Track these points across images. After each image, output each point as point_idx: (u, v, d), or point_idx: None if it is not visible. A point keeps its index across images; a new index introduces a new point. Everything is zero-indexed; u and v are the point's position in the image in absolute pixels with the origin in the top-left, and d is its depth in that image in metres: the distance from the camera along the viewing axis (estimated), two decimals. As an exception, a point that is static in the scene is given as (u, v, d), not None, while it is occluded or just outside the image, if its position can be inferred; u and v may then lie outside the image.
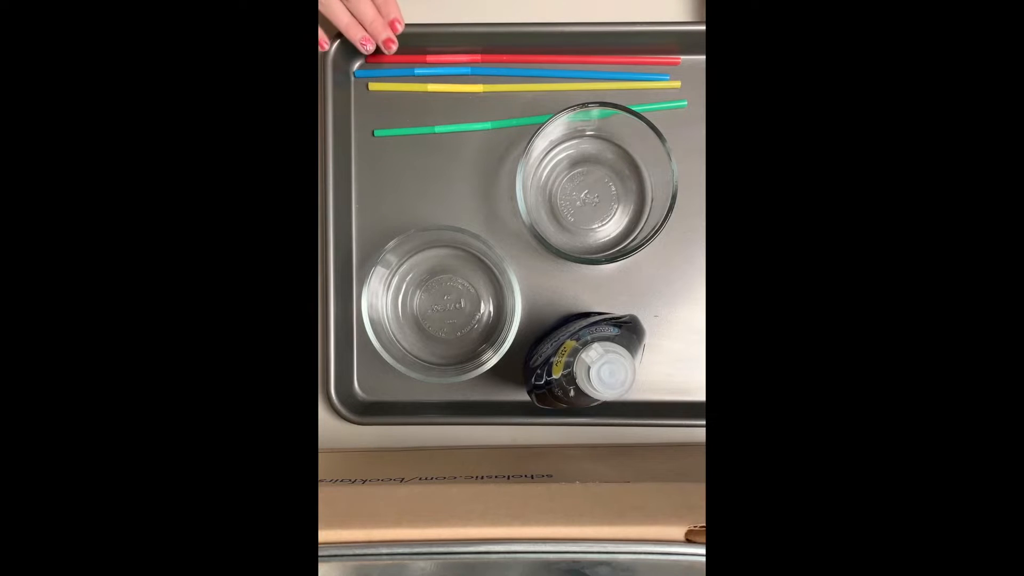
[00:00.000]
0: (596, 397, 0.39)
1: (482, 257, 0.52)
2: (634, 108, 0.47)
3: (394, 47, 0.50)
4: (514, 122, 0.53)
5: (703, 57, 0.52)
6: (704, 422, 0.51)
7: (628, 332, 0.44)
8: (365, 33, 0.50)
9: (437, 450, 0.53)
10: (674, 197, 0.47)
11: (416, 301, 0.53)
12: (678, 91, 0.53)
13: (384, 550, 0.34)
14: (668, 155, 0.47)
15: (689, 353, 0.53)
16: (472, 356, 0.52)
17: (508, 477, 0.43)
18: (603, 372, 0.38)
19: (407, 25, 0.52)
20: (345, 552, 0.34)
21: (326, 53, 0.51)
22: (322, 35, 0.50)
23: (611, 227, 0.52)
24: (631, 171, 0.52)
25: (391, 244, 0.48)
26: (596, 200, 0.52)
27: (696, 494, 0.36)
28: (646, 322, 0.50)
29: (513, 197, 0.48)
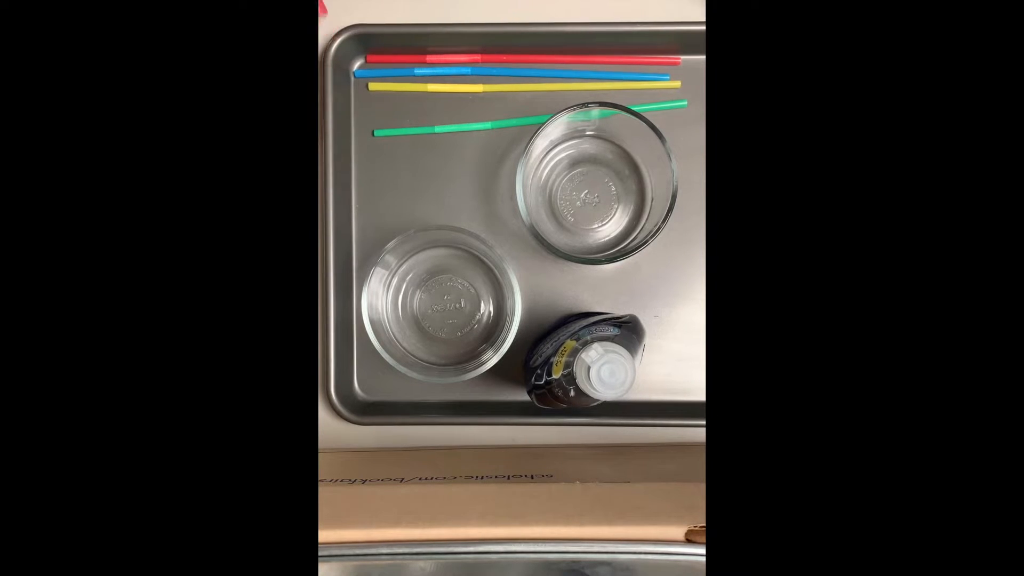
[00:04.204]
0: (596, 397, 0.39)
1: (482, 257, 0.52)
2: (634, 108, 0.47)
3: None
4: (514, 122, 0.53)
5: (703, 57, 0.52)
6: (704, 422, 0.51)
7: (628, 332, 0.44)
8: None
9: (437, 450, 0.53)
10: (674, 197, 0.47)
11: (416, 301, 0.53)
12: (678, 91, 0.53)
13: (384, 550, 0.34)
14: (668, 155, 0.47)
15: (689, 353, 0.53)
16: (472, 356, 0.52)
17: (508, 477, 0.43)
18: (603, 372, 0.38)
19: (407, 25, 0.52)
20: (345, 552, 0.34)
21: (326, 53, 0.51)
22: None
23: (611, 227, 0.52)
24: (631, 171, 0.52)
25: (391, 244, 0.48)
26: (596, 200, 0.52)
27: (696, 494, 0.36)
28: (646, 322, 0.50)
29: (513, 197, 0.48)
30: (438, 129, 0.53)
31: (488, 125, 0.53)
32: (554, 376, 0.42)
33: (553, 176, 0.52)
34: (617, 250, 0.51)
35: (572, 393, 0.41)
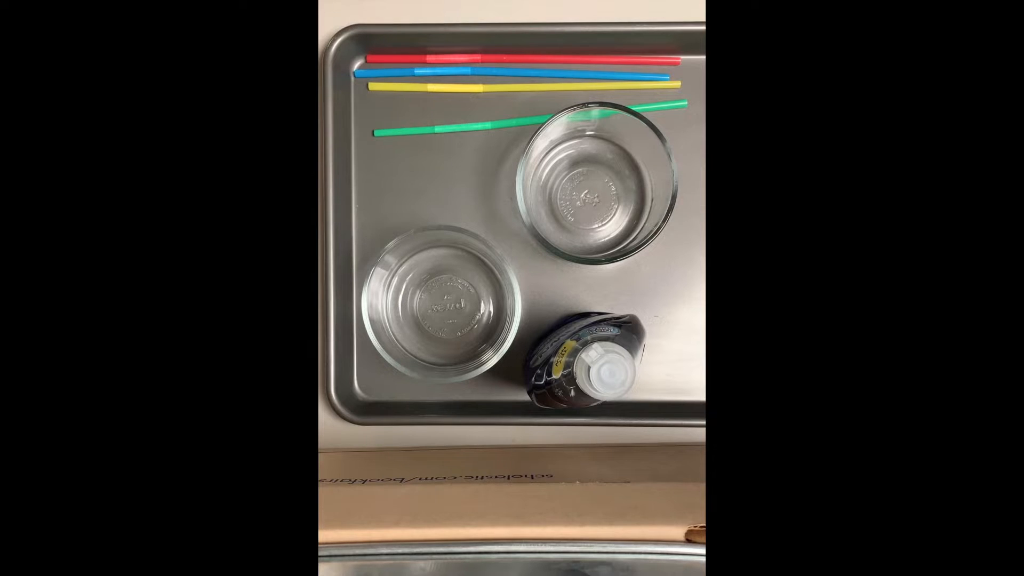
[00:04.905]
0: (596, 397, 0.39)
1: (482, 257, 0.52)
2: (634, 108, 0.47)
3: None
4: (514, 122, 0.53)
5: (703, 57, 0.52)
6: (704, 422, 0.51)
7: (628, 332, 0.44)
8: None
9: (437, 450, 0.53)
10: (674, 197, 0.47)
11: (416, 301, 0.53)
12: (678, 91, 0.53)
13: (384, 550, 0.34)
14: (668, 155, 0.47)
15: (689, 353, 0.53)
16: (472, 356, 0.52)
17: (508, 477, 0.43)
18: (603, 372, 0.38)
19: (407, 25, 0.52)
20: (345, 552, 0.34)
21: (326, 53, 0.51)
22: None
23: (611, 227, 0.52)
24: (631, 171, 0.52)
25: (391, 244, 0.48)
26: (596, 200, 0.52)
27: (696, 494, 0.36)
28: (646, 322, 0.50)
29: (513, 197, 0.48)
30: (438, 129, 0.53)
31: (488, 125, 0.53)
32: (554, 376, 0.42)
33: (553, 176, 0.52)
34: (617, 250, 0.51)
35: (572, 393, 0.41)
